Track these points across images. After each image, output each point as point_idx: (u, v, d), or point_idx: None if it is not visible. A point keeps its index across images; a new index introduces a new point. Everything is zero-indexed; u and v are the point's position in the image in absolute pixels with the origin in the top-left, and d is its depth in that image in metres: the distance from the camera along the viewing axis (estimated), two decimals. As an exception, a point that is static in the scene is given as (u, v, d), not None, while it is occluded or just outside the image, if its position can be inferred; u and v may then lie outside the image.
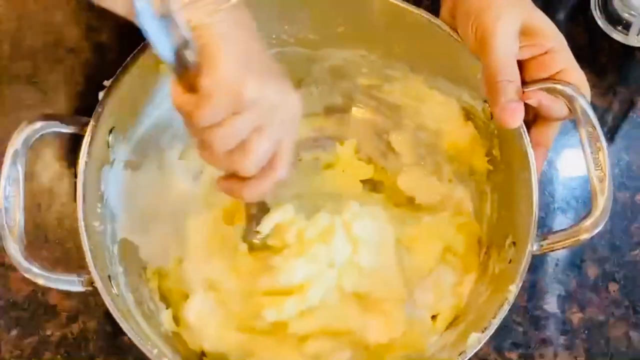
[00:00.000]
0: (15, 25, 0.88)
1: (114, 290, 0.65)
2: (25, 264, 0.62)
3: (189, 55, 0.52)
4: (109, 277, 0.65)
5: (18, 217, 0.62)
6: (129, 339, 0.75)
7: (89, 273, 0.62)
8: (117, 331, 0.76)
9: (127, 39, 0.86)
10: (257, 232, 0.72)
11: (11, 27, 0.88)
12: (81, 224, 0.64)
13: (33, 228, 0.79)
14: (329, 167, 0.83)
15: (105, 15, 0.88)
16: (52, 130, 0.64)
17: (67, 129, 0.65)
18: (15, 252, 0.61)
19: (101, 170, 0.68)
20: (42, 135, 0.64)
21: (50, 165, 0.83)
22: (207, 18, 0.53)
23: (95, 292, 0.77)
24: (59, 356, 0.76)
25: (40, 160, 0.82)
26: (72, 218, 0.80)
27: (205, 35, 0.53)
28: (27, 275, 0.62)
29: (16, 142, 0.62)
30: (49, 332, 0.76)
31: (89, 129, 0.65)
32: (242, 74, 0.54)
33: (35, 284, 0.77)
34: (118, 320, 0.62)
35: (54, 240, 0.79)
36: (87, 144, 0.65)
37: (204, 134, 0.56)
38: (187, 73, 0.54)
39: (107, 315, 0.76)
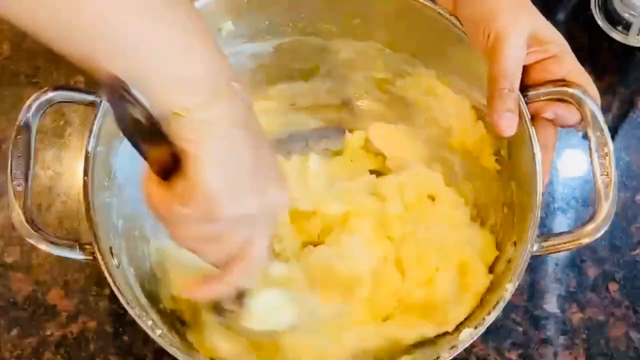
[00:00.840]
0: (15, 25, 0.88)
1: (115, 262, 0.64)
2: (29, 230, 0.62)
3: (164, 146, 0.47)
4: (111, 249, 0.65)
5: (25, 185, 0.62)
6: (129, 338, 0.76)
7: (90, 244, 0.62)
8: (117, 331, 0.76)
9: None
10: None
11: (11, 27, 0.88)
12: (85, 192, 0.63)
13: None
14: (337, 154, 0.84)
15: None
16: (64, 100, 0.65)
17: (80, 100, 0.66)
18: (19, 217, 0.61)
19: (111, 144, 0.68)
20: (52, 105, 0.64)
21: (51, 165, 0.83)
22: (199, 113, 0.47)
23: (96, 292, 0.78)
24: (59, 356, 0.76)
25: (40, 160, 0.82)
26: (73, 218, 0.81)
27: (195, 134, 0.47)
28: (30, 241, 0.62)
29: (28, 111, 0.63)
30: (49, 332, 0.76)
31: (101, 98, 0.65)
32: (220, 191, 0.48)
33: (35, 283, 0.78)
34: (115, 291, 0.61)
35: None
36: (99, 112, 0.65)
37: (171, 227, 0.52)
38: (163, 163, 0.48)
39: (107, 315, 0.77)
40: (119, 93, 0.44)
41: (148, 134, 0.46)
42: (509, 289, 0.62)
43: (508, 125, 0.64)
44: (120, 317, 0.76)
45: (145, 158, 0.48)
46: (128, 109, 0.44)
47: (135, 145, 0.46)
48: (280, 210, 0.56)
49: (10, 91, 0.85)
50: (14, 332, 0.76)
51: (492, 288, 0.69)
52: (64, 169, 0.83)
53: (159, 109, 0.46)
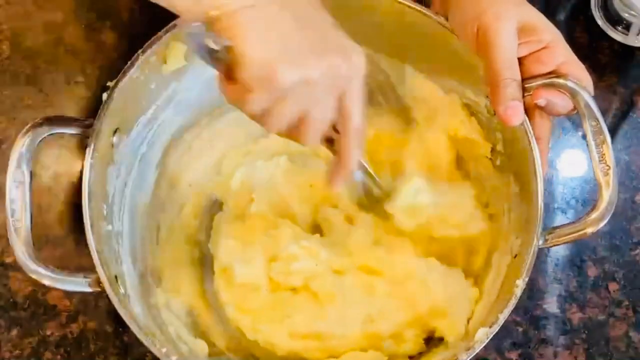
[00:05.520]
0: (15, 25, 0.88)
1: (121, 290, 0.64)
2: (32, 265, 0.61)
3: (222, 52, 0.52)
4: (116, 277, 0.65)
5: (24, 219, 0.61)
6: (129, 338, 0.76)
7: (95, 273, 0.62)
8: (117, 331, 0.76)
9: (128, 39, 0.87)
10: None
11: (11, 27, 0.88)
12: (87, 224, 0.63)
13: (33, 228, 0.79)
14: None
15: (105, 15, 0.89)
16: (56, 132, 0.64)
17: (72, 131, 0.65)
18: (22, 253, 0.61)
19: (106, 171, 0.68)
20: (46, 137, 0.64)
21: (50, 165, 0.83)
22: (227, 7, 0.51)
23: (96, 293, 0.78)
24: (59, 356, 0.76)
25: (40, 161, 0.82)
26: (72, 218, 0.81)
27: (231, 25, 0.51)
28: (34, 276, 0.61)
29: (21, 145, 0.62)
30: (49, 332, 0.76)
31: (93, 130, 0.65)
32: (272, 62, 0.52)
33: (35, 283, 0.78)
34: (126, 320, 0.61)
35: (54, 241, 0.79)
36: (92, 145, 0.65)
37: (257, 118, 0.56)
38: (226, 66, 0.53)
39: (107, 315, 0.77)
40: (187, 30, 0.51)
41: (211, 51, 0.52)
42: (519, 285, 0.62)
43: (515, 114, 0.64)
44: (120, 317, 0.76)
45: (218, 69, 0.54)
46: (192, 38, 0.51)
47: (208, 63, 0.53)
48: (346, 76, 0.56)
49: (11, 91, 0.85)
50: (14, 332, 0.76)
51: (502, 286, 0.69)
52: (64, 169, 0.83)
53: (200, 19, 0.51)
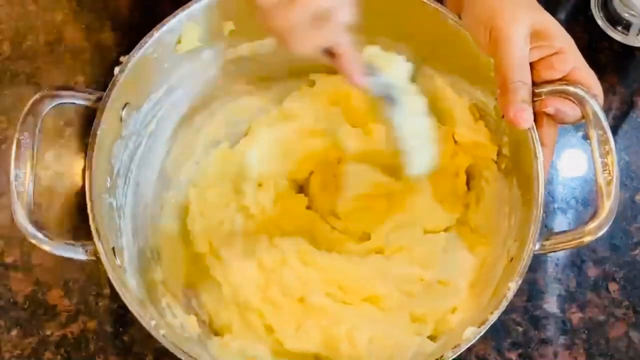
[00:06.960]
0: (15, 25, 0.88)
1: (118, 262, 0.65)
2: (32, 229, 0.61)
3: None
4: (113, 249, 0.65)
5: (27, 184, 0.62)
6: (129, 338, 0.76)
7: (94, 244, 0.62)
8: (117, 331, 0.76)
9: (127, 39, 0.87)
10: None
11: (11, 27, 0.88)
12: (88, 193, 0.64)
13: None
14: None
15: (105, 15, 0.89)
16: (65, 102, 0.65)
17: (80, 102, 0.66)
18: (22, 218, 0.61)
19: (112, 144, 0.69)
20: (54, 107, 0.64)
21: (51, 165, 0.83)
22: None
23: (96, 292, 0.78)
24: (59, 356, 0.76)
25: (40, 160, 0.82)
26: (73, 217, 0.81)
27: None
28: (33, 241, 0.62)
29: (30, 110, 0.63)
30: (49, 332, 0.76)
31: (102, 102, 0.65)
32: None
33: (35, 283, 0.78)
34: (118, 290, 0.62)
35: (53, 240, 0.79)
36: (101, 115, 0.65)
37: (280, 31, 0.58)
38: None
39: (107, 315, 0.77)
40: None
41: None
42: (511, 287, 0.62)
43: (525, 117, 0.63)
44: (120, 317, 0.76)
45: None
46: None
47: None
48: None
49: (11, 91, 0.85)
50: (14, 332, 0.76)
51: (495, 287, 0.69)
52: (64, 169, 0.83)
53: None
